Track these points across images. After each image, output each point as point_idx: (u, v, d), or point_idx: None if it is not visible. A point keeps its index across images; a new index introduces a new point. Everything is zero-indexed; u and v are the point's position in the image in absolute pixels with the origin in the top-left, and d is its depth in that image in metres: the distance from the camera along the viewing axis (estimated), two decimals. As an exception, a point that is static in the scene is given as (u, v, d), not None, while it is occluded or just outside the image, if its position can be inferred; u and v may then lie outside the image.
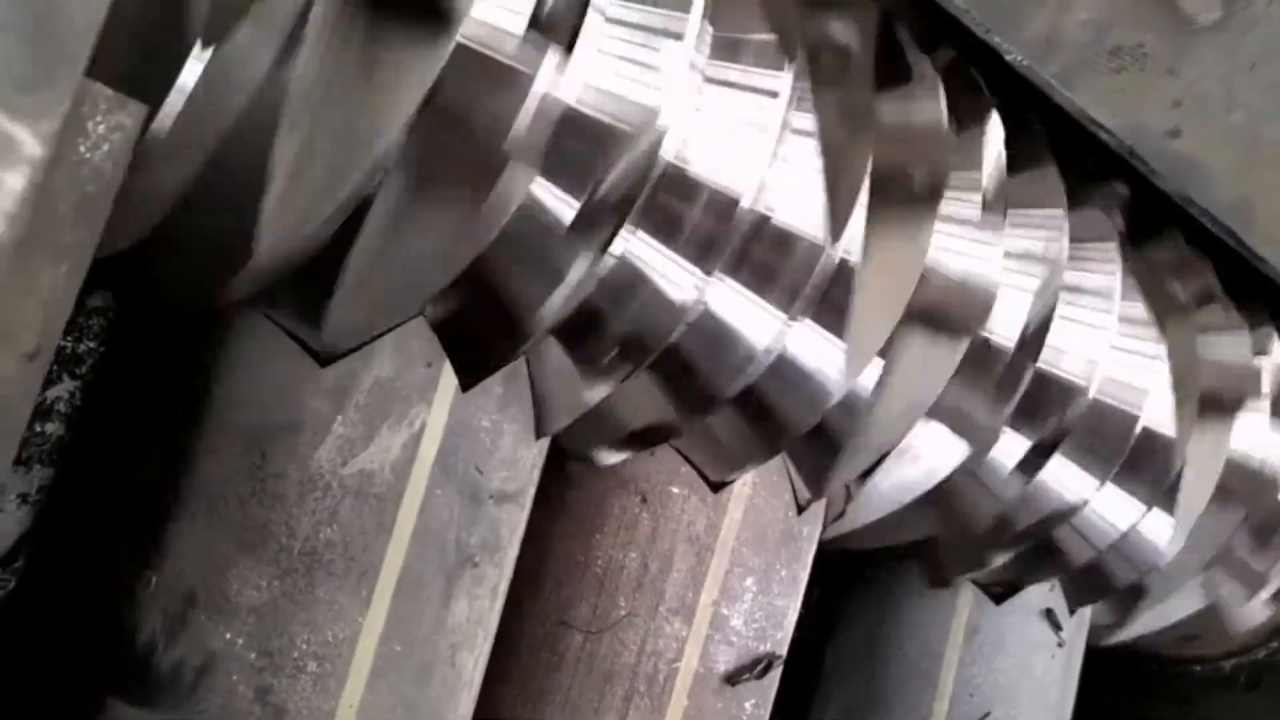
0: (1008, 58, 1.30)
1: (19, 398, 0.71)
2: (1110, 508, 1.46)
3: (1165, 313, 1.46)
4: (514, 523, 1.22)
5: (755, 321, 1.19)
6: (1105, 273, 1.39)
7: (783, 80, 1.15)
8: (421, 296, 1.12)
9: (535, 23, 1.03)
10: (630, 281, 1.15)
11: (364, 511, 1.12)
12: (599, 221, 1.10)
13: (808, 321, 1.22)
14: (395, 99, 0.99)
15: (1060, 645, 1.57)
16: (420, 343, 1.15)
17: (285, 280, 1.08)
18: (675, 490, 1.32)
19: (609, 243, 1.12)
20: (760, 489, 1.35)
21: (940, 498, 1.40)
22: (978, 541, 1.49)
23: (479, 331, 1.16)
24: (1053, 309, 1.34)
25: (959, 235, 1.26)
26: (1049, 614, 1.56)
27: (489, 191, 1.04)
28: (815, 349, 1.23)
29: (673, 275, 1.15)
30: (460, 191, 1.05)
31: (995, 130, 1.31)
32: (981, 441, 1.37)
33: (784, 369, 1.23)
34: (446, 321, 1.15)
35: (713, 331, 1.19)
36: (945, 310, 1.26)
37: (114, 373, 1.22)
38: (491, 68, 1.02)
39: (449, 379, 1.16)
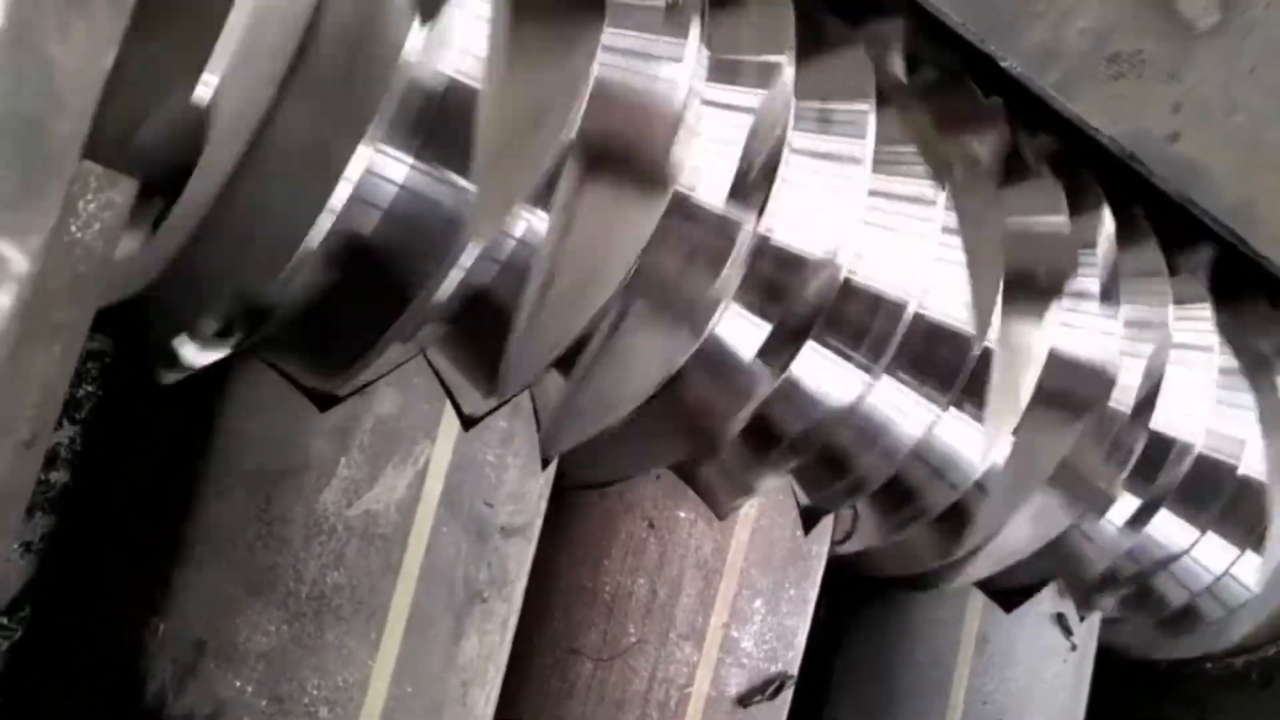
0: (1003, 64, 1.28)
1: (18, 485, 0.70)
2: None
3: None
4: (522, 556, 1.22)
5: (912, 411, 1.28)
6: (1201, 331, 1.48)
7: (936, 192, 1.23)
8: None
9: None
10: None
11: (370, 553, 1.12)
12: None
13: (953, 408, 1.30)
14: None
15: (1073, 649, 1.57)
16: (422, 380, 1.14)
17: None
18: (682, 514, 1.31)
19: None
20: (767, 510, 1.34)
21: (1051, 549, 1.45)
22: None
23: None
24: (1162, 373, 1.40)
25: (1083, 314, 1.36)
26: (1060, 619, 1.56)
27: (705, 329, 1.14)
28: (958, 433, 1.32)
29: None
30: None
31: (1107, 219, 1.40)
32: (1097, 504, 1.43)
33: (928, 454, 1.32)
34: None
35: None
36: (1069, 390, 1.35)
37: (113, 417, 1.21)
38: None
39: (452, 415, 1.15)
